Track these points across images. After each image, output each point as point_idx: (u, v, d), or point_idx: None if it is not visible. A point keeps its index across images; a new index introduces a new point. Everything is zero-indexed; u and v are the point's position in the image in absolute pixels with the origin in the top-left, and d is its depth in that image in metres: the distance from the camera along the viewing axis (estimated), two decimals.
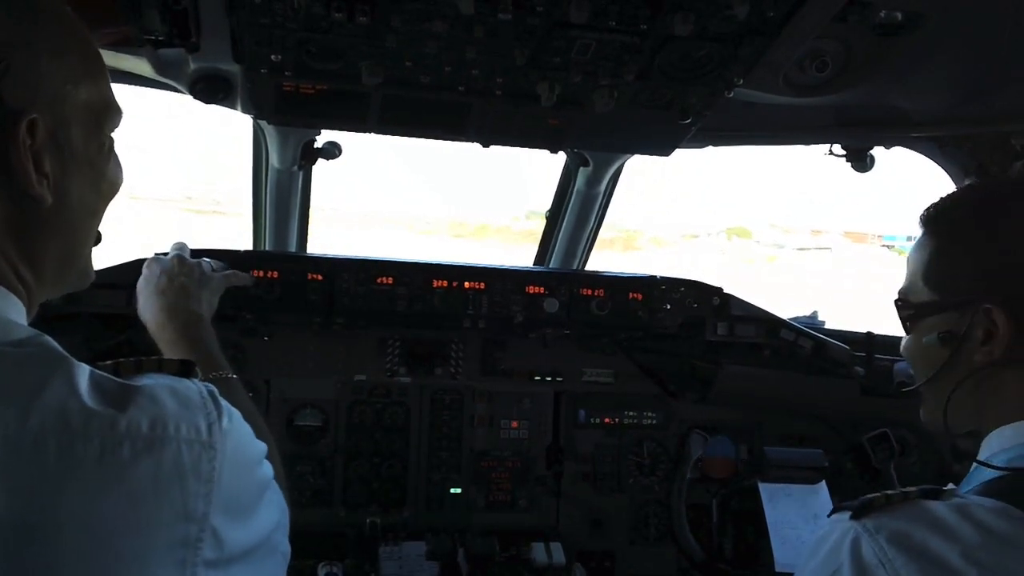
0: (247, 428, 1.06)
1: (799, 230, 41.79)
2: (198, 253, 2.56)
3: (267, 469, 1.13)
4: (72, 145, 1.00)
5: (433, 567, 2.58)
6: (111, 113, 1.08)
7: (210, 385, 1.01)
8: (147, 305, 1.92)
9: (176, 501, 0.90)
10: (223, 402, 1.01)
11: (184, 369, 1.02)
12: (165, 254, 2.29)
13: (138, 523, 0.86)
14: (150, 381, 0.96)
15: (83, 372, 0.91)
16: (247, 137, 3.12)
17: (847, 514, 1.10)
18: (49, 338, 0.94)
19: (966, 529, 1.01)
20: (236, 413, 1.03)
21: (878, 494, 1.10)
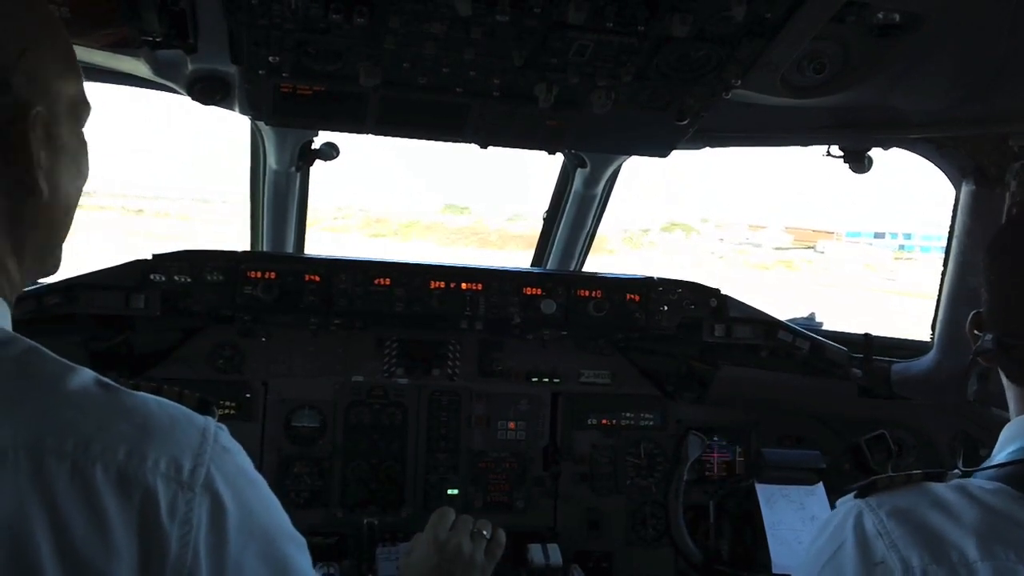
0: (261, 494, 0.98)
1: (735, 224, 41.41)
2: (195, 254, 2.57)
3: (282, 556, 0.98)
4: (62, 139, 1.02)
5: None
6: (86, 107, 1.10)
7: (223, 428, 0.96)
8: None
9: (147, 536, 0.85)
10: (233, 447, 0.96)
11: (202, 406, 0.98)
12: None
13: (107, 549, 0.83)
14: (153, 407, 0.91)
15: (66, 385, 0.88)
16: (245, 139, 3.12)
17: (853, 494, 1.16)
18: (33, 343, 0.92)
19: (965, 505, 1.05)
20: (251, 473, 0.97)
21: (883, 475, 1.15)
